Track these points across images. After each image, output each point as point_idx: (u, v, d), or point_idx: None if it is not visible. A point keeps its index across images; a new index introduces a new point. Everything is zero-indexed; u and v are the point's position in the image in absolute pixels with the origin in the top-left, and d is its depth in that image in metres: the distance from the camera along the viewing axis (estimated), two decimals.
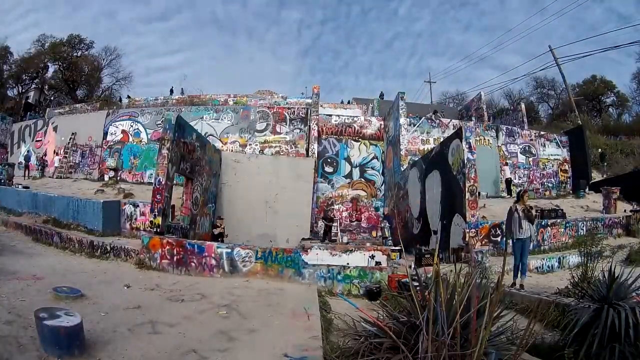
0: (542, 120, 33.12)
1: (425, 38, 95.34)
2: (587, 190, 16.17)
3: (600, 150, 20.08)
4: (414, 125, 16.55)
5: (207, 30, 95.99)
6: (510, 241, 6.66)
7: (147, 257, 7.49)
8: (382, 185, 16.09)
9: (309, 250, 7.31)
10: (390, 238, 12.78)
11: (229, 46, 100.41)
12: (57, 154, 19.36)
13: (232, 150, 16.21)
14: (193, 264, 7.33)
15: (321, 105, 17.90)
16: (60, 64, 33.08)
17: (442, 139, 12.40)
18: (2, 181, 15.63)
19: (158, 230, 8.27)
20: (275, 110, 17.65)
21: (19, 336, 3.26)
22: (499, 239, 9.32)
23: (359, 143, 16.66)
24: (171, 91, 25.21)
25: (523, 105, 21.78)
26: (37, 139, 20.60)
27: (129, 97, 24.13)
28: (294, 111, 17.49)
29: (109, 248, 8.26)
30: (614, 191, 13.04)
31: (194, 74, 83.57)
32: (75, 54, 33.96)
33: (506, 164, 16.78)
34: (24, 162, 19.23)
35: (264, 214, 13.16)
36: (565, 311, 3.91)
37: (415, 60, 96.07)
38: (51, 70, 33.71)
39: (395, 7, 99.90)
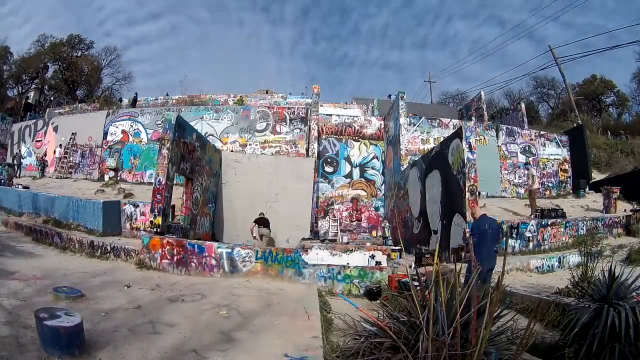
0: (542, 120, 33.10)
1: None
2: (587, 190, 16.15)
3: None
4: (414, 125, 16.55)
5: None
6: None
7: (147, 257, 7.49)
8: (382, 185, 16.09)
9: (309, 250, 7.31)
10: (390, 237, 12.79)
11: (214, 4, 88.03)
12: (55, 153, 19.37)
13: (232, 150, 16.21)
14: (193, 264, 7.33)
15: (321, 105, 17.90)
16: (60, 64, 33.08)
17: (442, 139, 12.40)
18: (2, 181, 15.63)
19: (158, 230, 8.27)
20: (275, 110, 17.65)
21: (19, 336, 3.26)
22: None
23: (359, 143, 16.66)
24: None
25: (523, 105, 21.76)
26: (37, 139, 20.60)
27: (123, 99, 24.11)
28: (294, 111, 17.49)
29: (109, 248, 8.26)
30: (614, 191, 13.03)
31: (178, 46, 75.30)
32: (75, 54, 33.98)
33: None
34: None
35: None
36: (565, 311, 3.91)
37: (441, 23, 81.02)
38: (51, 70, 33.75)
39: None
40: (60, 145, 18.93)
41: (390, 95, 23.53)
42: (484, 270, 4.72)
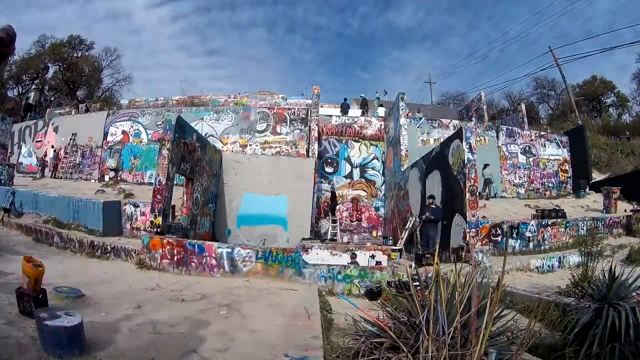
0: (543, 121, 33.11)
1: None
2: (587, 190, 16.16)
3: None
4: (414, 126, 16.54)
5: None
6: None
7: (148, 257, 7.49)
8: (382, 185, 16.09)
9: (309, 250, 7.31)
10: (390, 238, 12.79)
11: None
12: (55, 154, 19.40)
13: (232, 151, 16.22)
14: (193, 264, 7.33)
15: (321, 106, 17.91)
16: (60, 64, 33.10)
17: (442, 139, 12.40)
18: (3, 181, 15.63)
19: (158, 230, 8.27)
20: (275, 110, 17.66)
21: (19, 336, 3.26)
22: (499, 238, 9.33)
23: (360, 143, 16.67)
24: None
25: (523, 106, 21.79)
26: (38, 140, 20.60)
27: (125, 100, 24.11)
28: (294, 112, 17.50)
29: (109, 248, 8.26)
30: (615, 191, 13.04)
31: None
32: (75, 55, 34.00)
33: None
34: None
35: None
36: (565, 311, 3.91)
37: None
38: (51, 71, 33.75)
39: None
40: (53, 147, 19.02)
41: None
42: None
